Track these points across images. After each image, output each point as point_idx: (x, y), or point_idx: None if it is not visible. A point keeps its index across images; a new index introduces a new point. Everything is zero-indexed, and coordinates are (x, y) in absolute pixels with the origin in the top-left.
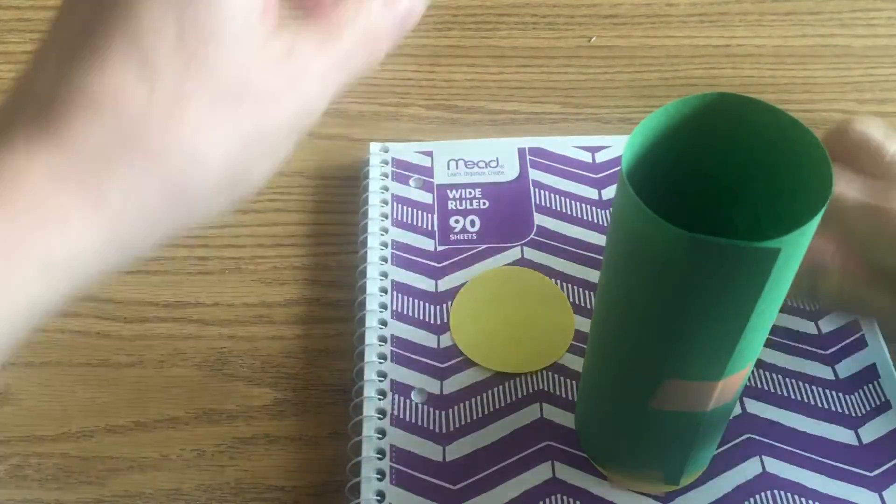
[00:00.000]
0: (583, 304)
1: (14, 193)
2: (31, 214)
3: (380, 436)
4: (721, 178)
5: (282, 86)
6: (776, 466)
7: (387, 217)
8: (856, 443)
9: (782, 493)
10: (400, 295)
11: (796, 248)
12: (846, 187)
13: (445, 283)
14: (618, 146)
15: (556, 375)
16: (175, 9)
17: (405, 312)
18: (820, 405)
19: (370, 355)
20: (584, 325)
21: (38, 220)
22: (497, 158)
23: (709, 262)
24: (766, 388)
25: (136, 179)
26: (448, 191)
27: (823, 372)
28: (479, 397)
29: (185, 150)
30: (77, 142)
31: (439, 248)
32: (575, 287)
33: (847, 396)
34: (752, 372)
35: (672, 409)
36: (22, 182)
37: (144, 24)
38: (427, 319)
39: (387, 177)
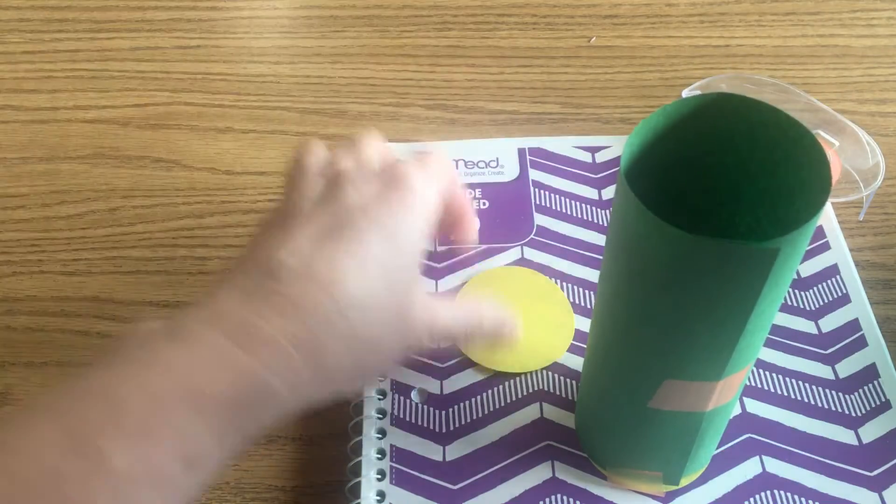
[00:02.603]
0: (583, 304)
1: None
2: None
3: (380, 436)
4: (721, 179)
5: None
6: (776, 466)
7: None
8: (856, 443)
9: (782, 493)
10: None
11: (795, 248)
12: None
13: (445, 284)
14: (618, 146)
15: (556, 375)
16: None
17: None
18: (820, 405)
19: None
20: (584, 324)
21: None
22: (497, 158)
23: (708, 262)
24: (766, 388)
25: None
26: None
27: (823, 372)
28: (478, 397)
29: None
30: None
31: (439, 249)
32: (575, 287)
33: (847, 396)
34: (752, 372)
35: (672, 408)
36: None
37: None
38: None
39: None
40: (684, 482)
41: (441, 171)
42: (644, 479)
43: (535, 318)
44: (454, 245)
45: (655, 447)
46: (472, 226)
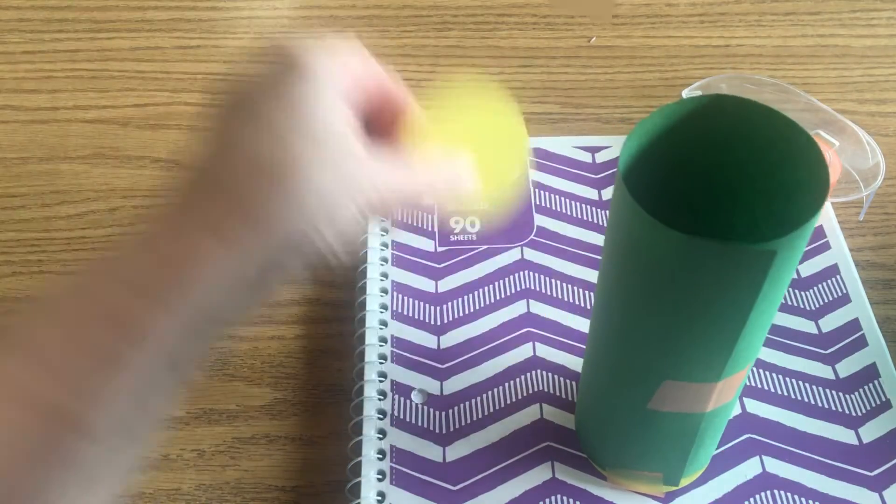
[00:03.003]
0: (583, 304)
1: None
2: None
3: (380, 436)
4: (718, 180)
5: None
6: (776, 466)
7: (387, 217)
8: (856, 442)
9: (782, 492)
10: (400, 295)
11: (794, 249)
12: None
13: (445, 284)
14: (618, 146)
15: (556, 375)
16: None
17: (405, 313)
18: (820, 405)
19: (370, 355)
20: (584, 325)
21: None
22: None
23: (706, 264)
24: (766, 388)
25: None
26: None
27: (823, 372)
28: (478, 398)
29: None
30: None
31: (439, 249)
32: (575, 287)
33: (847, 396)
34: (752, 372)
35: (671, 409)
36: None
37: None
38: (427, 320)
39: None
40: (684, 482)
41: (348, 56)
42: (644, 480)
43: (485, 141)
44: (391, 142)
45: (655, 448)
46: (412, 119)
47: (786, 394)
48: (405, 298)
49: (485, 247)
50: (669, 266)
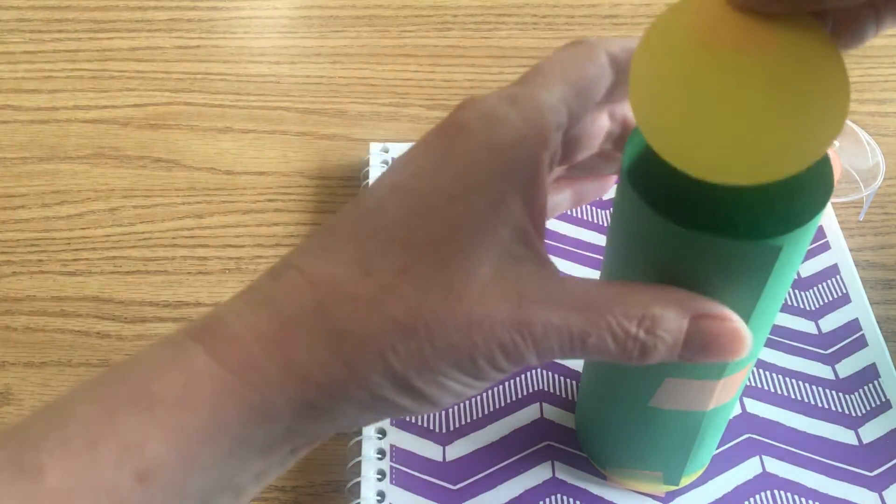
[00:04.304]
0: None
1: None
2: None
3: (380, 435)
4: None
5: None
6: (776, 466)
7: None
8: (856, 443)
9: (782, 493)
10: None
11: (798, 246)
12: None
13: None
14: None
15: (556, 374)
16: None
17: None
18: (820, 405)
19: None
20: None
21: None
22: None
23: (710, 260)
24: (766, 388)
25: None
26: None
27: (823, 372)
28: (479, 397)
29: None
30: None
31: None
32: None
33: (847, 396)
34: (752, 372)
35: (672, 408)
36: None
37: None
38: None
39: None
40: (684, 482)
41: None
42: (644, 479)
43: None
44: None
45: (656, 447)
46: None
47: (786, 394)
48: None
49: None
50: (672, 263)
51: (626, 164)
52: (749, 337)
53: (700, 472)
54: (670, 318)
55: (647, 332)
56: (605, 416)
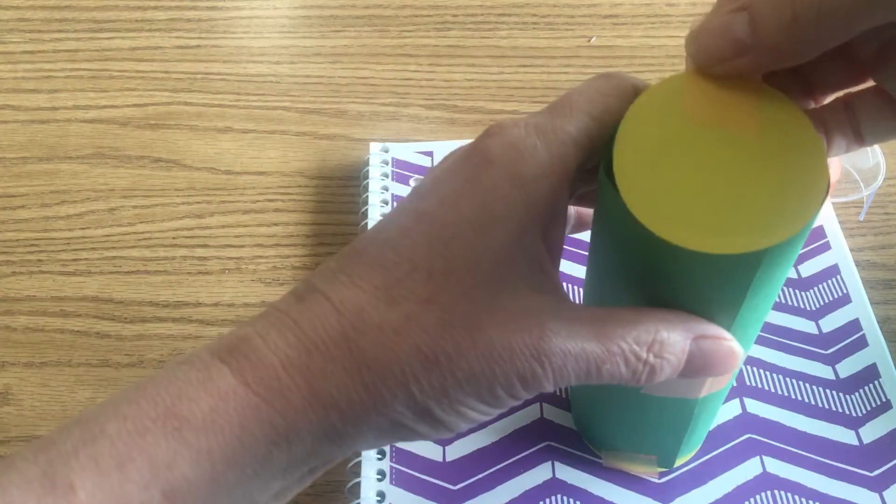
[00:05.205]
0: (581, 302)
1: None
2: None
3: None
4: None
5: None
6: (776, 466)
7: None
8: (856, 443)
9: (782, 493)
10: None
11: (783, 251)
12: None
13: None
14: None
15: None
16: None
17: None
18: (820, 405)
19: None
20: None
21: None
22: None
23: (690, 270)
24: (766, 388)
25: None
26: None
27: (823, 372)
28: None
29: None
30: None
31: None
32: (575, 287)
33: (847, 396)
34: (752, 372)
35: (665, 395)
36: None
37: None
38: None
39: (387, 177)
40: (678, 463)
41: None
42: (639, 462)
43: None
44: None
45: (649, 432)
46: None
47: (786, 394)
48: None
49: None
50: (655, 267)
51: (606, 164)
52: (741, 353)
53: (694, 453)
54: (676, 341)
55: (655, 356)
56: (599, 403)
